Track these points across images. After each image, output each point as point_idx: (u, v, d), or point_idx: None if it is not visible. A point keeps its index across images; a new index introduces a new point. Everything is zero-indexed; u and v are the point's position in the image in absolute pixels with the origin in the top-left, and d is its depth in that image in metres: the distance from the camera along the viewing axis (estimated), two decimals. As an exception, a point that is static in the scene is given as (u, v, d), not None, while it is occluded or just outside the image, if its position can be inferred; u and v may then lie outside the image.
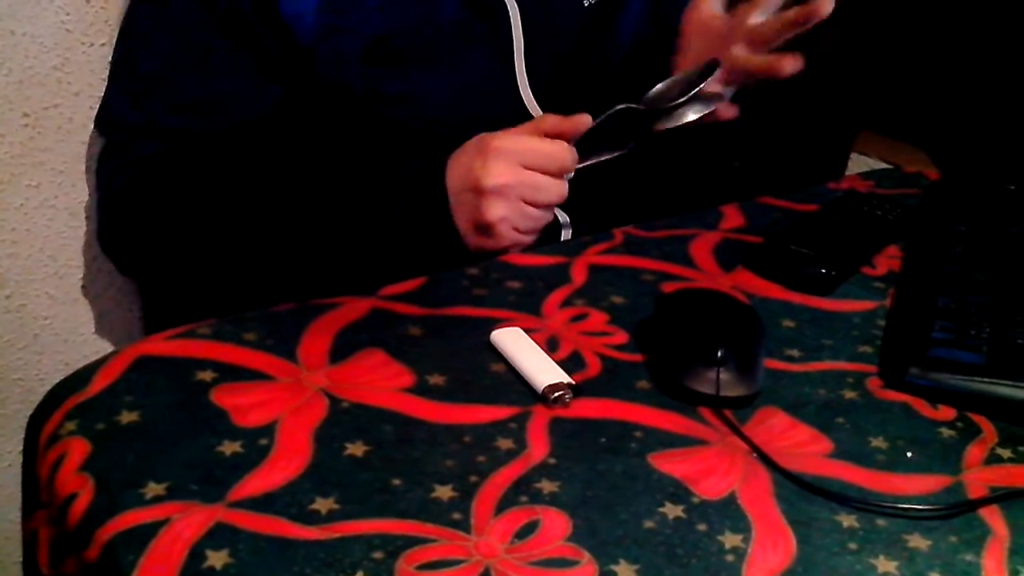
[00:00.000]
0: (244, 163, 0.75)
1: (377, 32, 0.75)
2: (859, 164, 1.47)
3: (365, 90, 0.76)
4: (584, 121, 0.72)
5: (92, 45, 0.86)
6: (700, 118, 0.76)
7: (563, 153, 0.71)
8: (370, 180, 0.72)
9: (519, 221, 0.71)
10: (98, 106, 0.80)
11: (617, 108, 0.75)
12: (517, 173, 0.69)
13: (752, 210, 0.90)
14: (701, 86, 0.74)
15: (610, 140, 0.76)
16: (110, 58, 0.85)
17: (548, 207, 0.72)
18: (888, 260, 0.83)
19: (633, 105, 0.76)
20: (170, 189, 0.75)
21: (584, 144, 0.73)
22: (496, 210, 0.69)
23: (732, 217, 0.88)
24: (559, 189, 0.71)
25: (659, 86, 0.77)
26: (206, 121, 0.75)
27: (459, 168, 0.70)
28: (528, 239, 0.74)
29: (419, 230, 0.71)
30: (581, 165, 0.73)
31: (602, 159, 0.75)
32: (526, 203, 0.70)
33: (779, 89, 0.81)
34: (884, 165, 1.36)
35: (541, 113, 0.82)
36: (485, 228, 0.71)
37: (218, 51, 0.74)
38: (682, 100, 0.75)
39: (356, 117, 0.77)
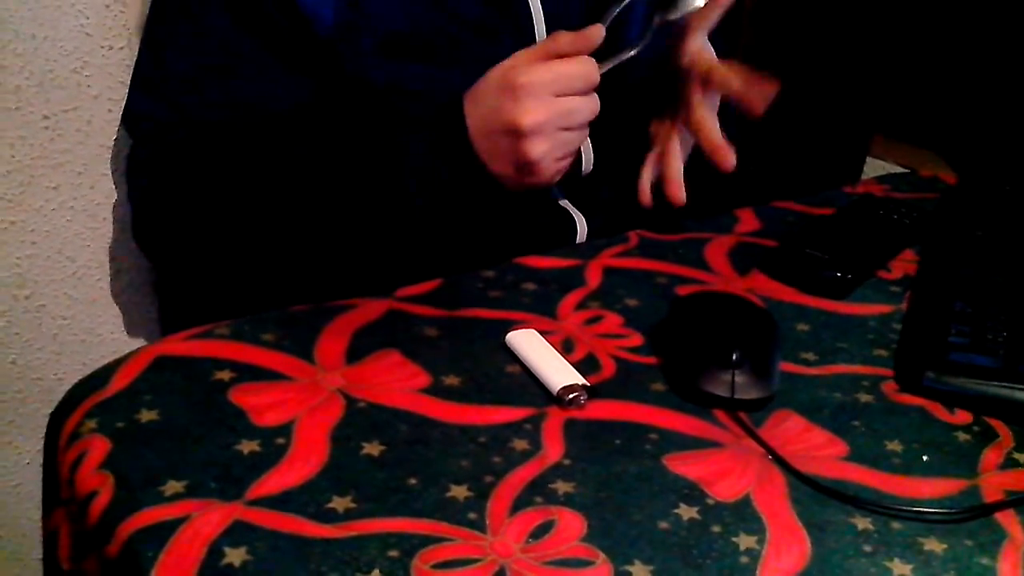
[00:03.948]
0: (269, 141, 0.76)
1: (397, 28, 0.75)
2: (875, 168, 1.46)
3: (386, 85, 0.76)
4: (597, 32, 0.70)
5: (111, 49, 0.86)
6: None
7: (589, 70, 0.70)
8: (390, 144, 0.71)
9: (560, 151, 0.70)
10: (123, 107, 0.80)
11: (624, 3, 0.73)
12: (551, 105, 0.68)
13: (767, 214, 0.90)
14: None
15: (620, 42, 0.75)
16: (129, 61, 0.86)
17: (584, 125, 0.71)
18: (904, 264, 0.83)
19: None
20: (201, 173, 0.76)
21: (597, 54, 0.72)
22: (538, 147, 0.68)
23: (747, 221, 0.88)
24: (591, 105, 0.70)
25: None
26: (237, 117, 0.76)
27: (483, 111, 0.69)
28: (567, 163, 0.73)
29: (445, 174, 0.70)
30: (602, 71, 0.71)
31: (621, 59, 0.73)
32: (564, 130, 0.70)
33: (796, 94, 0.81)
34: (900, 169, 1.35)
35: None
36: (528, 167, 0.69)
37: (244, 49, 0.74)
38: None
39: (378, 111, 0.77)
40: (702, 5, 0.74)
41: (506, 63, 0.70)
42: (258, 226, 0.74)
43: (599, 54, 0.70)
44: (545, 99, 0.68)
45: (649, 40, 0.74)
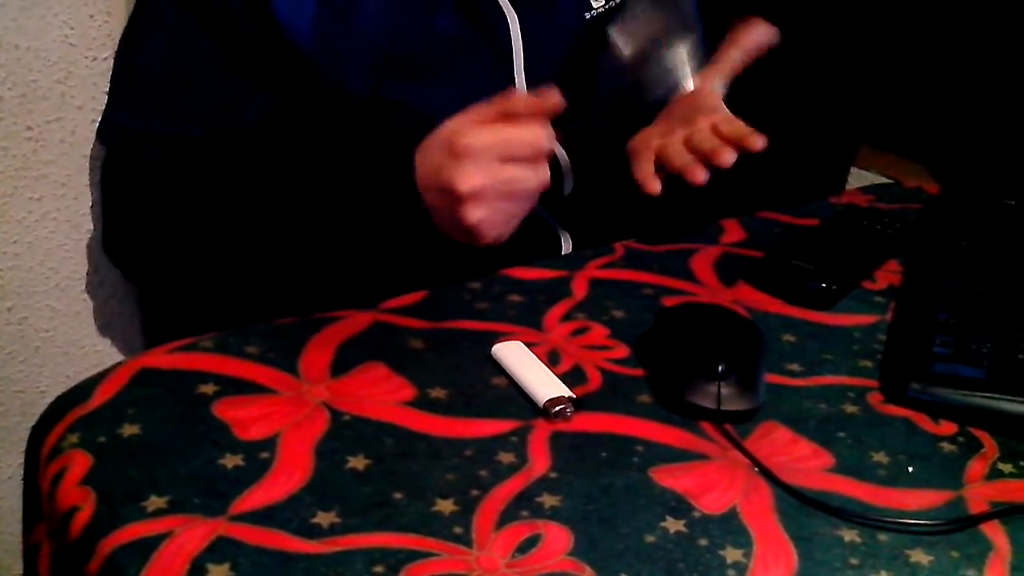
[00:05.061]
0: (238, 162, 0.75)
1: (377, 42, 0.75)
2: (859, 179, 1.47)
3: (365, 98, 0.76)
4: (555, 99, 0.65)
5: (95, 59, 0.86)
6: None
7: (537, 137, 0.65)
8: (341, 174, 0.70)
9: (500, 218, 0.66)
10: (100, 117, 0.80)
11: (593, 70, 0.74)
12: (491, 172, 0.64)
13: (753, 225, 0.90)
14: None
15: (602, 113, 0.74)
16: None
17: (530, 195, 0.67)
18: (888, 274, 0.83)
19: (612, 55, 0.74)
20: (167, 190, 0.76)
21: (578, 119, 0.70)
22: (475, 213, 0.64)
23: (733, 232, 0.88)
24: (539, 176, 0.66)
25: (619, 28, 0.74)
26: (209, 129, 0.75)
27: (427, 167, 0.66)
28: (510, 230, 0.68)
29: (401, 228, 0.68)
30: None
31: (572, 129, 0.71)
32: (506, 198, 0.65)
33: (780, 103, 0.81)
34: (884, 180, 1.36)
35: None
36: (466, 230, 0.66)
37: (216, 61, 0.74)
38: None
39: (356, 123, 0.77)
40: (691, 90, 0.74)
41: (453, 121, 0.66)
42: (229, 244, 0.73)
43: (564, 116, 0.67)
44: (485, 164, 0.63)
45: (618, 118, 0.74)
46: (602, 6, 0.85)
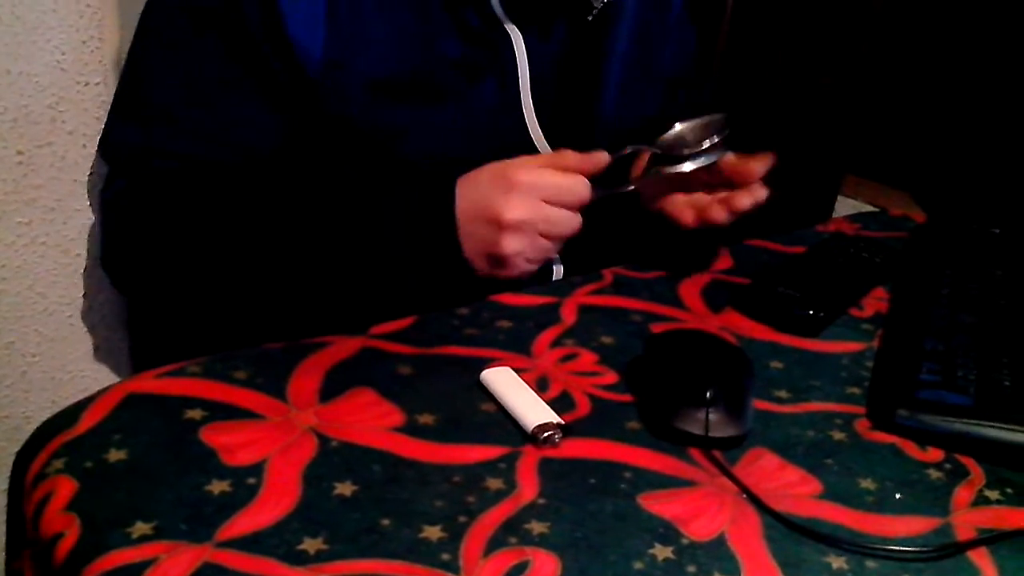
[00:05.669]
0: (250, 187, 0.76)
1: (383, 67, 0.76)
2: (846, 207, 1.48)
3: (370, 124, 0.76)
4: (602, 159, 0.73)
5: (87, 84, 0.86)
6: (698, 168, 0.77)
7: (581, 188, 0.72)
8: (374, 205, 0.72)
9: (532, 253, 0.72)
10: (101, 132, 0.79)
11: (633, 149, 0.77)
12: (537, 208, 0.70)
13: (740, 252, 0.91)
14: (713, 141, 0.77)
15: (615, 177, 0.77)
16: (105, 97, 0.86)
17: (561, 238, 0.73)
18: (875, 302, 0.84)
19: (648, 148, 0.78)
20: (176, 210, 0.75)
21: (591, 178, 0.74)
22: (514, 244, 0.70)
23: (720, 259, 0.89)
24: (574, 222, 0.72)
25: (676, 130, 0.78)
26: (215, 149, 0.75)
27: (473, 196, 0.70)
28: (535, 267, 0.74)
29: (423, 254, 0.71)
30: (595, 196, 0.74)
31: (608, 192, 0.75)
32: (541, 236, 0.71)
33: (768, 134, 0.82)
34: (871, 208, 1.37)
35: (547, 145, 0.83)
36: (499, 260, 0.71)
37: (228, 80, 0.74)
38: (693, 151, 0.77)
39: (361, 149, 0.77)
40: (688, 171, 0.77)
41: (510, 160, 0.72)
42: (230, 269, 0.73)
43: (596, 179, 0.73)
44: (533, 200, 0.70)
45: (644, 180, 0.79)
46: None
